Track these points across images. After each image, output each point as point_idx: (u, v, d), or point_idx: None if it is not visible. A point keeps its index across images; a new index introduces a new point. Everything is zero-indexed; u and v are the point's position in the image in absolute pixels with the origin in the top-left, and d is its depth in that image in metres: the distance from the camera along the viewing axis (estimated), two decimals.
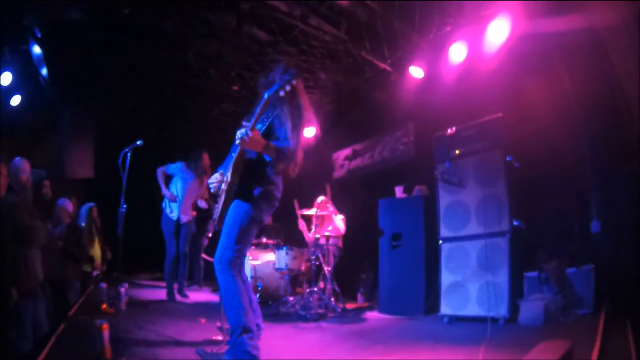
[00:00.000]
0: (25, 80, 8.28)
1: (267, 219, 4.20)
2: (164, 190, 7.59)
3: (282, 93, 3.63)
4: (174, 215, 7.56)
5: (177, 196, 7.58)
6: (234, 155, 3.96)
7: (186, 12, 6.86)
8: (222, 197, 3.98)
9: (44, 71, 7.98)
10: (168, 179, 7.78)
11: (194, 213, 8.20)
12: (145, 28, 7.21)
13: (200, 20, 7.07)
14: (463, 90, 6.93)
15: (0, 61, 7.52)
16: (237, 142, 3.74)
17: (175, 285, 7.62)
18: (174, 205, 7.56)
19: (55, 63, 7.93)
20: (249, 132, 3.63)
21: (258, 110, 3.77)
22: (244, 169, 3.95)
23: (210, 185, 4.22)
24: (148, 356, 4.01)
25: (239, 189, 3.93)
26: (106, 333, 3.64)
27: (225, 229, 3.91)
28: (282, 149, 3.85)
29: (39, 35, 7.23)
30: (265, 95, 3.72)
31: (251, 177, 3.97)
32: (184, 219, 7.65)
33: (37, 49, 7.55)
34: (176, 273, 7.65)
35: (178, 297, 7.54)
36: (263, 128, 3.97)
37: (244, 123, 3.98)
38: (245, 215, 3.89)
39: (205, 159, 7.76)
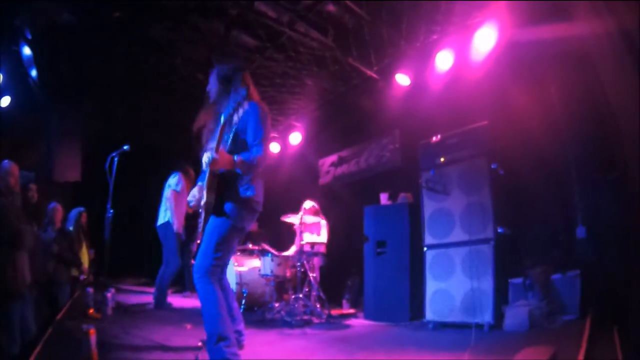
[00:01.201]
0: (15, 81, 8.23)
1: (251, 226, 4.18)
2: (178, 225, 7.52)
3: (235, 117, 3.85)
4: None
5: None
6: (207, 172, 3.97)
7: (175, 18, 6.85)
8: (202, 215, 3.97)
9: (34, 73, 7.93)
10: None
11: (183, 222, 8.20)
12: (134, 33, 7.19)
13: (188, 26, 7.06)
14: (449, 97, 6.98)
15: None
16: (205, 166, 3.75)
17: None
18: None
19: (44, 65, 7.92)
20: (215, 156, 3.66)
21: (218, 132, 3.78)
22: (218, 185, 3.93)
23: (190, 203, 4.21)
24: None
25: (217, 204, 3.91)
26: (93, 338, 3.62)
27: (205, 237, 3.91)
28: (252, 160, 3.85)
29: (29, 36, 7.19)
30: (222, 119, 3.84)
31: (227, 191, 3.96)
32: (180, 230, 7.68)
33: (27, 51, 7.53)
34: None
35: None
36: (230, 136, 3.97)
37: (209, 145, 3.94)
38: (224, 223, 3.88)
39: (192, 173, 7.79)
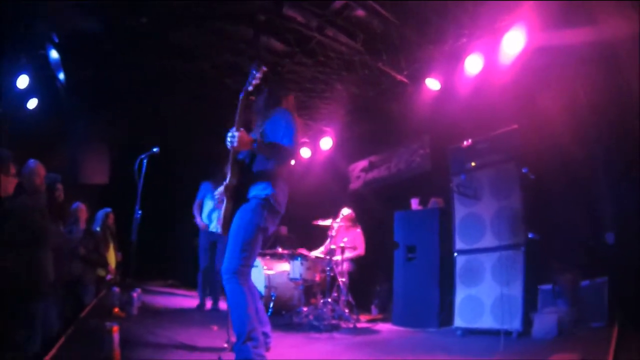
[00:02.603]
0: (42, 84, 8.37)
1: (274, 227, 4.22)
2: (199, 222, 7.84)
3: (250, 87, 3.97)
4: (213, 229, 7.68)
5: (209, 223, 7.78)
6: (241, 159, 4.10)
7: (202, 23, 6.91)
8: (224, 203, 4.04)
9: (61, 76, 8.06)
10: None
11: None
12: (161, 38, 7.27)
13: (216, 32, 7.12)
14: (479, 102, 6.89)
15: (16, 65, 7.63)
16: (228, 145, 3.81)
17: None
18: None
19: (72, 68, 8.02)
20: (234, 133, 3.74)
21: (238, 111, 3.91)
22: (242, 176, 4.02)
23: (215, 196, 4.26)
24: None
25: (240, 196, 3.99)
26: (116, 336, 3.64)
27: (231, 238, 3.94)
28: (275, 143, 3.92)
29: (56, 40, 7.33)
30: (240, 96, 3.98)
31: (250, 183, 4.03)
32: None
33: (54, 54, 7.66)
34: (210, 285, 7.77)
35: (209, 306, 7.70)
36: (258, 137, 4.04)
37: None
38: (249, 223, 3.91)
39: None
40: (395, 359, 4.82)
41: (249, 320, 3.72)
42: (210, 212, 7.83)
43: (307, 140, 11.16)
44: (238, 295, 3.79)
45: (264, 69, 4.04)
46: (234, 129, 3.79)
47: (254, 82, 3.99)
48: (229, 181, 3.99)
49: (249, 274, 4.05)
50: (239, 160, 4.12)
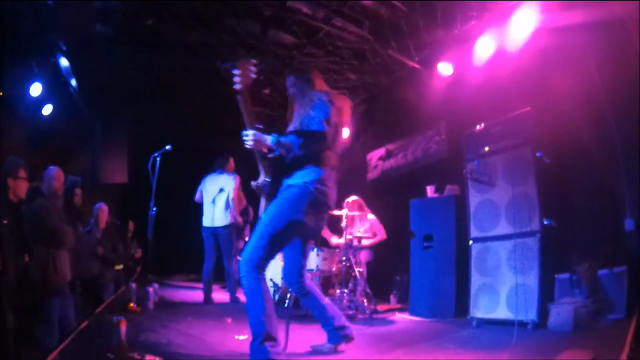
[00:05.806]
0: (56, 90, 8.57)
1: (320, 221, 4.04)
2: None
3: (238, 86, 3.66)
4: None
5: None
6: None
7: (209, 23, 6.89)
8: (263, 198, 3.99)
9: (74, 82, 8.21)
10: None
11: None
12: (170, 39, 7.29)
13: (224, 29, 7.08)
14: (492, 85, 6.71)
15: (29, 73, 7.80)
16: (246, 146, 3.75)
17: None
18: None
19: (83, 74, 8.18)
20: (247, 133, 3.72)
21: (243, 111, 3.75)
22: (280, 169, 3.92)
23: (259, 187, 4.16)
24: (167, 353, 3.98)
25: (275, 187, 3.88)
26: (123, 328, 3.63)
27: (258, 228, 3.71)
28: (299, 131, 3.83)
29: (64, 48, 7.44)
30: (238, 98, 3.74)
31: (289, 174, 3.88)
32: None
33: (64, 62, 7.80)
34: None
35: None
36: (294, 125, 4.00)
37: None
38: (281, 215, 3.70)
39: (231, 163, 7.86)
40: (403, 352, 4.66)
41: (267, 318, 3.51)
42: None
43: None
44: (256, 291, 3.57)
45: (253, 61, 3.78)
46: (248, 129, 3.72)
47: (239, 79, 3.68)
48: (263, 179, 3.94)
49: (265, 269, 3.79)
50: (267, 157, 4.00)
